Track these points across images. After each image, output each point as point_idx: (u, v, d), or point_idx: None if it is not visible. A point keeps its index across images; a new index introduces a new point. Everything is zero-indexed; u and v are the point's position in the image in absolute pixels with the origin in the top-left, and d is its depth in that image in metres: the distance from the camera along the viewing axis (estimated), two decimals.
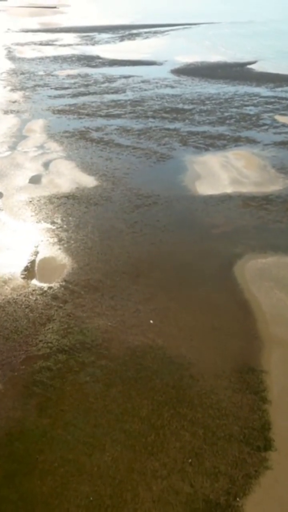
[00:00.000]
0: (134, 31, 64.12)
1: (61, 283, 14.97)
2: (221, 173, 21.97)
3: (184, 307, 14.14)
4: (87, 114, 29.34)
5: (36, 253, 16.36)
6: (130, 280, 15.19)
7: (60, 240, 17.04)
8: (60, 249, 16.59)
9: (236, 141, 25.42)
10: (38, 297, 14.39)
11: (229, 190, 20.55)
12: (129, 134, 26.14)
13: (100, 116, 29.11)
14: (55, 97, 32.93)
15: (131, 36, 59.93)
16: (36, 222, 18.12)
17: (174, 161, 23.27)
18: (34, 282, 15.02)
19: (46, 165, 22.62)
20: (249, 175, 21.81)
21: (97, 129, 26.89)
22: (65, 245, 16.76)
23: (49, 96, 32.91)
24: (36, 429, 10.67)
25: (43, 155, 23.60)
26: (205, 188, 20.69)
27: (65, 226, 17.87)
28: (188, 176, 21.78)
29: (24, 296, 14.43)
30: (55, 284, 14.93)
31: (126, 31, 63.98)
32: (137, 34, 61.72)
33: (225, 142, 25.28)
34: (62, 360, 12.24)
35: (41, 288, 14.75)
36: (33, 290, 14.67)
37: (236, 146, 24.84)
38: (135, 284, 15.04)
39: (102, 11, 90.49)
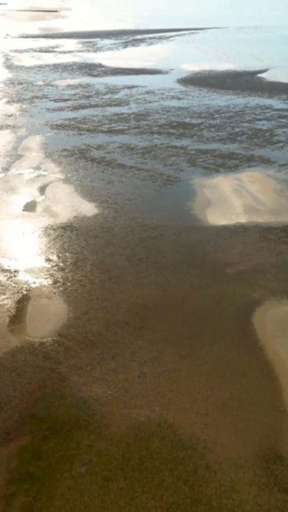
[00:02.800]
0: (138, 37, 62.22)
1: (54, 338, 13.03)
2: (233, 199, 20.00)
3: (197, 370, 12.18)
4: (88, 130, 27.42)
5: (28, 299, 14.42)
6: (134, 334, 13.25)
7: (55, 282, 15.10)
8: (55, 293, 14.66)
9: (249, 160, 23.45)
10: (28, 356, 12.45)
11: (243, 219, 18.58)
12: (133, 152, 24.21)
13: (102, 131, 27.19)
14: (54, 110, 31.03)
15: (135, 42, 58.02)
16: (30, 259, 16.19)
17: (182, 184, 21.33)
18: (24, 337, 13.08)
19: (42, 189, 20.71)
20: (265, 202, 19.84)
21: (98, 147, 24.97)
22: (61, 288, 14.82)
23: (48, 109, 31.01)
24: None
25: (39, 177, 21.70)
26: (216, 217, 18.73)
27: (61, 264, 15.94)
28: (198, 203, 19.83)
29: (11, 355, 12.50)
30: (48, 339, 12.99)
31: (129, 37, 62.08)
32: (141, 40, 59.81)
33: (237, 162, 23.32)
34: (54, 443, 10.28)
35: (31, 345, 12.81)
36: (22, 348, 12.73)
37: (249, 167, 22.87)
38: (139, 339, 13.10)
39: (105, 15, 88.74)
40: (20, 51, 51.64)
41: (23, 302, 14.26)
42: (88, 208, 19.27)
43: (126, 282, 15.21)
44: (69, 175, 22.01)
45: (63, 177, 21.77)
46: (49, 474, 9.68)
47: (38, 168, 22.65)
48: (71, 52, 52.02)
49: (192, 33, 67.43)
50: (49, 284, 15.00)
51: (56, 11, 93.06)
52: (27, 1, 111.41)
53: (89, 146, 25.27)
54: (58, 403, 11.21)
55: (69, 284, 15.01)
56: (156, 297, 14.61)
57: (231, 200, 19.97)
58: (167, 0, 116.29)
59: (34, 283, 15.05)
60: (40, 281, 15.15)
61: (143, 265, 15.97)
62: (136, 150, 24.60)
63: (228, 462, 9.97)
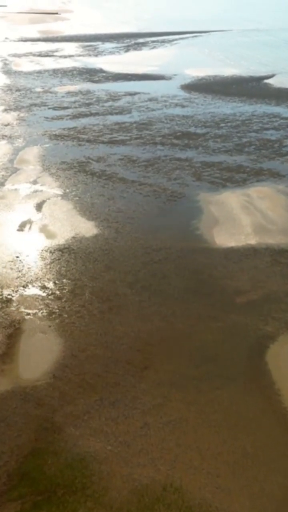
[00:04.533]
0: (141, 40, 61.04)
1: (49, 381, 11.84)
2: (242, 218, 18.80)
3: (206, 419, 10.96)
4: (88, 140, 26.25)
5: (21, 333, 13.23)
6: (137, 375, 12.05)
7: (50, 313, 13.91)
8: (50, 326, 13.48)
9: (258, 174, 22.25)
10: (19, 403, 11.25)
11: (253, 240, 17.38)
12: (135, 165, 23.03)
13: (102, 142, 26.02)
14: (52, 118, 29.87)
15: (137, 46, 56.86)
16: (23, 287, 14.99)
17: (187, 201, 20.14)
18: (15, 379, 11.89)
19: (39, 206, 19.54)
20: (276, 220, 18.63)
21: (99, 159, 23.79)
22: (57, 321, 13.64)
23: (46, 118, 29.85)
24: None
25: (36, 193, 20.52)
26: (224, 238, 17.53)
27: (57, 292, 14.75)
28: (204, 222, 18.63)
29: (0, 402, 11.29)
30: (41, 382, 11.80)
31: (131, 40, 60.92)
32: (144, 44, 58.65)
33: (245, 175, 22.12)
34: None
35: (23, 389, 11.61)
36: (13, 392, 11.53)
37: (258, 181, 21.67)
38: (142, 381, 11.89)
39: (107, 18, 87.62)
40: (19, 56, 50.50)
41: (15, 337, 13.08)
42: (88, 228, 18.09)
43: (127, 313, 14.03)
44: (67, 190, 20.83)
45: (61, 193, 20.60)
46: None
47: (35, 182, 21.48)
48: (72, 56, 50.86)
49: (195, 36, 66.20)
50: (44, 316, 13.82)
51: (57, 13, 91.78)
52: (27, 2, 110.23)
53: (89, 158, 24.09)
54: (52, 460, 10.02)
55: (65, 315, 13.83)
56: (160, 330, 13.42)
57: (239, 218, 18.77)
58: (168, 3, 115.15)
59: (28, 314, 13.87)
60: (34, 312, 13.97)
61: (146, 293, 14.78)
62: (138, 163, 23.41)
63: None
